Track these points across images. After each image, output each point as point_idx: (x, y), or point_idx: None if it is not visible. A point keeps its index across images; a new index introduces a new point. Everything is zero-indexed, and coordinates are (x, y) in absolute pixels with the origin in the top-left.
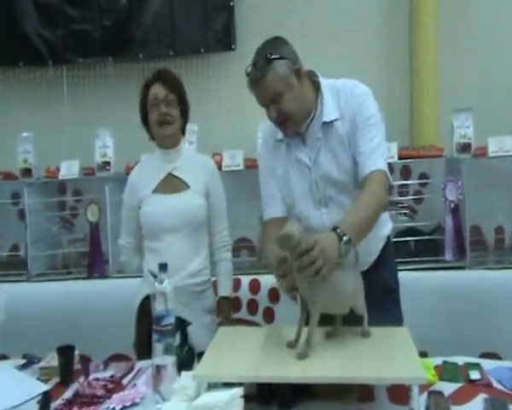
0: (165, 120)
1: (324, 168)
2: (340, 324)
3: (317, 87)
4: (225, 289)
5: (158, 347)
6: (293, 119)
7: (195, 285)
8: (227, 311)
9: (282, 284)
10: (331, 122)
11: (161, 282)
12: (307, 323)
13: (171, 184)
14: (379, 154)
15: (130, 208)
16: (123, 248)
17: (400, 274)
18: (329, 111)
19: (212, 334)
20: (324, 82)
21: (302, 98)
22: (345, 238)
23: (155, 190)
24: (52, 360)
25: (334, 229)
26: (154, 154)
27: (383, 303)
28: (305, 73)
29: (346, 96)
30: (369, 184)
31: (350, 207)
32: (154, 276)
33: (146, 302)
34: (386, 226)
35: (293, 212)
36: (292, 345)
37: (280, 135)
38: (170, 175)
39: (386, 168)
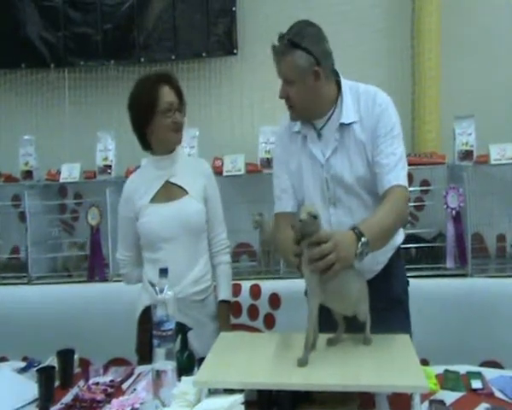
0: (178, 127)
1: (336, 169)
2: (342, 331)
3: (338, 87)
4: (224, 293)
5: (158, 352)
6: (295, 109)
7: (197, 294)
8: (226, 315)
9: (296, 260)
10: (349, 124)
11: (161, 288)
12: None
13: (169, 191)
14: (401, 168)
15: (126, 220)
16: (121, 262)
17: None
18: (348, 113)
19: None
20: (345, 83)
21: (312, 98)
22: (363, 239)
23: (153, 200)
24: (52, 363)
25: (353, 229)
26: (147, 161)
27: (390, 313)
28: (328, 73)
29: (367, 102)
30: (391, 196)
31: (373, 214)
32: (154, 286)
33: (146, 313)
34: (397, 237)
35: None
36: (303, 363)
37: (297, 127)
38: (167, 183)
39: (406, 183)
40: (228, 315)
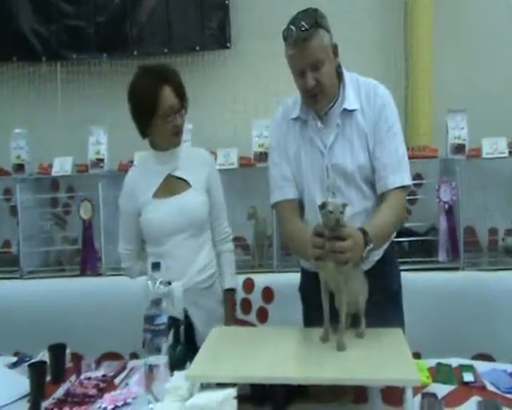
0: (178, 131)
1: (338, 157)
2: (347, 325)
3: (339, 76)
4: (229, 282)
5: (150, 346)
6: (326, 93)
7: (204, 281)
8: (231, 303)
9: (316, 252)
10: (352, 111)
11: (154, 282)
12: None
13: (172, 185)
14: (404, 167)
15: (128, 215)
16: (123, 256)
17: None
18: (350, 100)
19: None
20: (346, 73)
21: (334, 77)
22: (371, 245)
23: (155, 195)
24: (43, 358)
25: (364, 233)
26: (148, 154)
27: (386, 306)
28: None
29: (369, 92)
30: (396, 201)
31: (378, 216)
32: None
33: None
34: None
35: (303, 194)
36: (325, 339)
37: (295, 113)
38: (169, 176)
39: (410, 181)
40: (234, 303)
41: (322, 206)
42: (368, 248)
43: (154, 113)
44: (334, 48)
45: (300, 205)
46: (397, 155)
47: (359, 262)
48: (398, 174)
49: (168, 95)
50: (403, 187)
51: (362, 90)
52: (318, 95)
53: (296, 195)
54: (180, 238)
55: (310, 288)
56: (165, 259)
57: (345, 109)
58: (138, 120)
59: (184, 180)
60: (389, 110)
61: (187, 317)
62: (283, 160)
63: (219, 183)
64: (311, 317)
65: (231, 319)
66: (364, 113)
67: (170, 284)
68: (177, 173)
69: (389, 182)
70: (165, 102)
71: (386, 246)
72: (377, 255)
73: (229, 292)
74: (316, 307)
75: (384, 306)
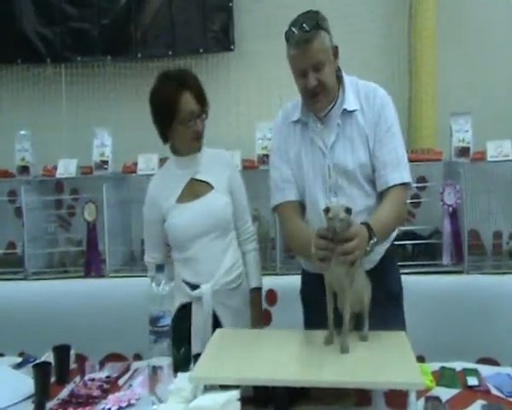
0: (199, 136)
1: (339, 156)
2: (350, 327)
3: (338, 78)
4: (255, 281)
5: (154, 348)
6: (327, 92)
7: (231, 282)
8: (258, 302)
9: (320, 254)
10: (352, 112)
11: (158, 284)
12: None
13: (194, 188)
14: (403, 166)
15: (152, 223)
16: (150, 265)
17: None
18: (350, 101)
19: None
20: (345, 76)
21: (334, 78)
22: (374, 239)
23: (179, 200)
24: (48, 359)
25: (368, 227)
26: (168, 160)
27: (387, 307)
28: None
29: (368, 94)
30: (396, 198)
31: (379, 212)
32: (192, 286)
33: (181, 312)
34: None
35: (304, 196)
36: (329, 341)
37: (296, 116)
38: (192, 180)
39: (410, 179)
40: (260, 302)
41: (327, 211)
42: (372, 241)
43: (175, 118)
44: (335, 49)
45: (301, 207)
46: (396, 154)
47: (363, 257)
48: (398, 172)
49: (188, 100)
50: (403, 185)
51: (361, 92)
52: (320, 94)
53: (297, 196)
54: (206, 241)
55: (310, 290)
56: (191, 263)
57: (345, 110)
58: (159, 125)
59: (207, 183)
60: (388, 111)
61: (215, 318)
62: (284, 162)
63: (241, 183)
64: (312, 320)
65: (259, 319)
66: (364, 113)
67: (199, 287)
68: (199, 176)
69: (389, 179)
70: (185, 108)
71: (387, 246)
72: (379, 254)
73: (256, 291)
74: (316, 310)
75: (385, 305)
